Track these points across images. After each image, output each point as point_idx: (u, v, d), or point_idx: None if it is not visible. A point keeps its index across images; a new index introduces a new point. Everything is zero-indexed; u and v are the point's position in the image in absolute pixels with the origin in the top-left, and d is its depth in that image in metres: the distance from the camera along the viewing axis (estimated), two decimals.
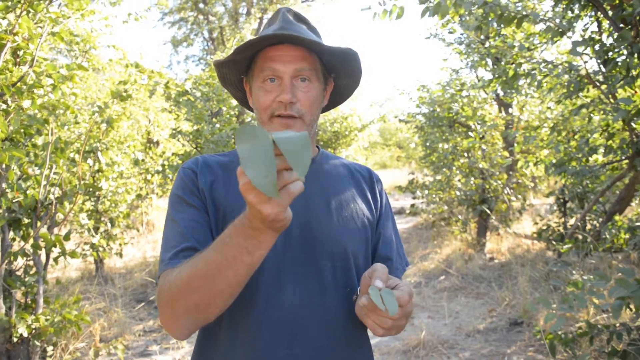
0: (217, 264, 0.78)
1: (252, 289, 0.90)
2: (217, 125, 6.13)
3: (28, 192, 2.88)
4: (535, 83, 3.13)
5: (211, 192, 0.98)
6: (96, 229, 6.24)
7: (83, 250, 6.16)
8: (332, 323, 0.95)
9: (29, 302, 3.15)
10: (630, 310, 2.43)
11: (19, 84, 2.81)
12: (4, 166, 2.77)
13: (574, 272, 4.05)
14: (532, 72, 3.10)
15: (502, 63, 3.74)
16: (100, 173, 6.14)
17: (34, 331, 2.95)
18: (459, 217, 7.54)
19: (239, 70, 1.07)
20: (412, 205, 9.45)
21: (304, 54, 0.99)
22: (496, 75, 3.46)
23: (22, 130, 2.80)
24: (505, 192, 6.88)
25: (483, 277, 5.50)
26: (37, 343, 3.04)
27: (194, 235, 0.92)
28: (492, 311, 4.36)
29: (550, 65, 3.11)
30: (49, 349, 3.22)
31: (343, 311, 0.97)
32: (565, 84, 3.20)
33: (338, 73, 1.09)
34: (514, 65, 3.27)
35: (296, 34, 0.95)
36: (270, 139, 0.65)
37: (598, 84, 3.08)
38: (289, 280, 0.93)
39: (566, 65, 3.10)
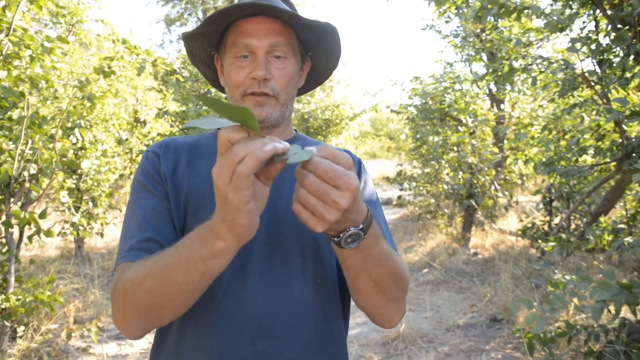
0: (170, 266, 0.73)
1: (212, 283, 0.82)
2: (204, 107, 6.01)
3: (1, 167, 2.77)
4: (530, 79, 3.08)
5: (173, 177, 0.92)
6: (77, 207, 6.12)
7: (63, 228, 6.05)
8: (301, 318, 0.88)
9: (0, 281, 3.05)
10: (610, 312, 2.42)
11: None
12: None
13: (556, 271, 4.07)
14: (528, 68, 3.05)
15: (497, 57, 3.69)
16: (82, 151, 6.01)
17: (3, 311, 2.86)
18: (445, 210, 7.54)
19: (209, 45, 0.99)
20: (399, 197, 9.44)
21: (280, 28, 0.91)
22: (491, 70, 3.40)
23: None
24: (493, 188, 6.88)
25: (466, 271, 5.51)
26: (7, 323, 2.95)
27: (152, 224, 0.86)
28: (473, 307, 4.36)
29: (545, 62, 3.06)
30: (20, 329, 3.14)
31: (313, 305, 0.90)
32: (560, 81, 3.15)
33: (316, 51, 1.01)
34: (509, 60, 3.21)
35: (272, 5, 0.87)
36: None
37: (592, 84, 3.04)
38: (253, 272, 0.87)
39: (562, 62, 3.05)
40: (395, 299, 0.89)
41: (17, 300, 2.88)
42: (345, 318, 1.00)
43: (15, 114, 2.70)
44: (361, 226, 0.72)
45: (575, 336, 2.64)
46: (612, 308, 2.43)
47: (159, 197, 0.89)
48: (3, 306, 2.80)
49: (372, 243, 0.76)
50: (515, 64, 3.12)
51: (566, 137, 4.06)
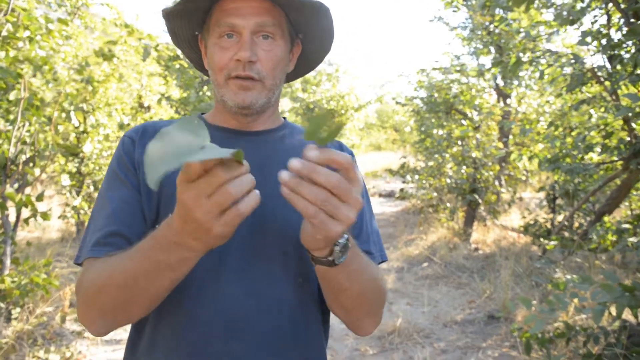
0: (135, 277, 0.70)
1: (185, 278, 0.78)
2: (208, 94, 5.95)
3: None
4: (538, 73, 3.01)
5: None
6: (78, 191, 6.11)
7: (64, 212, 6.05)
8: (280, 318, 0.83)
9: None
10: (610, 314, 2.38)
11: None
12: None
13: (557, 270, 4.02)
14: (536, 61, 2.98)
15: (508, 50, 3.61)
16: (84, 134, 5.98)
17: None
18: (448, 205, 7.49)
19: (192, 23, 0.92)
20: (402, 190, 9.39)
21: (267, 7, 0.85)
22: (497, 62, 3.33)
23: None
24: (496, 183, 6.82)
25: (466, 267, 5.47)
26: (2, 305, 2.94)
27: (120, 218, 0.82)
28: (472, 303, 4.33)
29: (554, 56, 2.99)
30: (15, 311, 3.13)
31: (293, 305, 0.84)
32: (568, 76, 3.08)
33: (306, 34, 0.94)
34: (517, 52, 3.14)
35: None
36: (204, 143, 0.54)
37: (602, 80, 2.97)
38: (230, 267, 0.81)
39: (571, 57, 2.97)
40: (374, 312, 0.87)
41: (13, 282, 2.87)
42: (325, 322, 0.94)
43: (12, 95, 2.66)
44: (346, 235, 0.69)
45: (574, 337, 2.60)
46: (613, 310, 2.39)
47: (130, 188, 0.85)
48: None
49: (353, 254, 0.74)
50: (523, 57, 3.04)
51: (572, 133, 3.99)
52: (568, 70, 3.08)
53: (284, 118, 1.01)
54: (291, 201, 0.60)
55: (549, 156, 3.52)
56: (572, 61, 2.96)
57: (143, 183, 0.85)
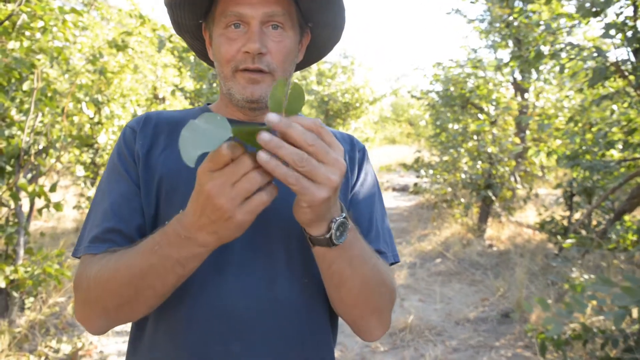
0: (141, 273, 0.68)
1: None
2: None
3: (12, 139, 2.75)
4: (559, 66, 2.91)
5: (147, 157, 0.83)
6: (93, 181, 6.17)
7: (79, 202, 6.12)
8: (284, 320, 0.79)
9: (10, 252, 3.07)
10: (630, 317, 2.30)
11: (6, 23, 2.64)
12: None
13: (574, 269, 3.93)
14: (557, 54, 2.88)
15: (526, 43, 3.51)
16: (99, 125, 6.02)
17: (12, 282, 2.88)
18: (462, 200, 7.39)
19: (196, 13, 0.87)
20: (416, 184, 9.30)
21: None
22: (516, 55, 3.23)
23: (7, 74, 2.64)
24: (512, 179, 6.70)
25: (480, 264, 5.40)
26: (16, 294, 2.97)
27: (119, 213, 0.79)
28: (485, 300, 4.27)
29: (576, 49, 2.89)
30: (28, 300, 3.17)
31: (298, 306, 0.80)
32: (590, 70, 2.98)
33: (316, 23, 0.89)
34: (537, 45, 3.04)
35: None
36: (227, 136, 0.54)
37: (626, 74, 2.86)
38: (231, 265, 0.78)
39: (594, 50, 2.87)
40: (379, 309, 0.82)
41: (26, 272, 2.89)
42: (334, 324, 0.90)
43: (25, 86, 2.66)
44: (343, 214, 0.67)
45: (591, 340, 2.53)
46: (634, 313, 2.32)
47: (129, 182, 0.82)
48: (11, 277, 2.82)
49: (354, 238, 0.72)
50: (543, 50, 2.95)
51: (593, 129, 3.88)
52: (590, 64, 2.98)
53: None
54: (270, 169, 0.57)
55: (567, 152, 3.42)
56: (595, 54, 2.86)
57: (143, 177, 0.82)
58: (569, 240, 3.48)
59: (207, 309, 0.77)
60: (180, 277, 0.69)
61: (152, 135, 0.85)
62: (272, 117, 0.56)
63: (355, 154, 0.93)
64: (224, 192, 0.57)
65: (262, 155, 0.57)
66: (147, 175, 0.82)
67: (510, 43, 7.07)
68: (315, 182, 0.58)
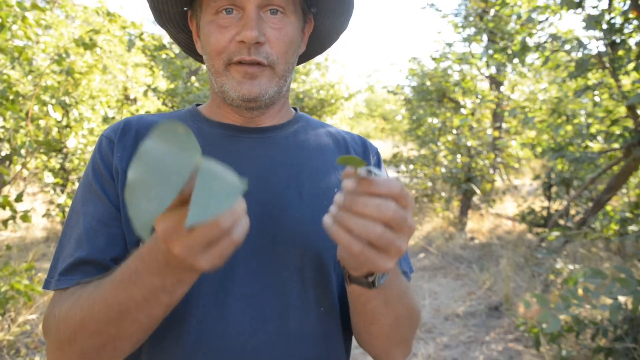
0: (121, 308, 0.57)
1: (184, 306, 0.65)
2: (197, 84, 5.76)
3: None
4: (542, 59, 2.90)
5: (128, 172, 0.72)
6: (63, 188, 5.91)
7: (49, 210, 5.85)
8: (297, 354, 0.68)
9: None
10: (624, 308, 2.29)
11: None
12: None
13: (558, 259, 3.95)
14: (542, 46, 2.86)
15: (499, 37, 3.49)
16: (68, 129, 5.77)
17: None
18: (442, 194, 7.41)
19: None
20: (396, 179, 9.30)
21: None
22: (501, 48, 3.21)
23: None
24: (491, 172, 6.75)
25: (463, 257, 5.40)
26: None
27: (93, 241, 0.67)
28: (472, 294, 4.25)
29: (559, 41, 2.87)
30: None
31: (314, 340, 0.70)
32: (572, 62, 2.97)
33: (320, 8, 0.78)
34: (522, 37, 3.01)
35: None
36: (195, 162, 0.42)
37: (607, 66, 2.86)
38: (236, 296, 0.67)
39: (575, 42, 2.86)
40: (406, 340, 0.75)
41: None
42: (348, 348, 0.80)
43: None
44: None
45: (582, 331, 2.51)
46: (628, 304, 2.30)
47: (106, 205, 0.70)
48: None
49: (394, 275, 0.64)
50: (529, 42, 2.92)
51: (574, 121, 3.89)
52: (576, 55, 2.97)
53: (295, 109, 0.85)
54: (333, 234, 0.49)
55: (552, 145, 3.42)
56: (577, 46, 2.85)
57: (122, 196, 0.70)
58: (554, 233, 3.48)
59: (209, 348, 0.66)
60: (168, 306, 0.58)
61: (133, 146, 0.72)
62: (348, 184, 0.50)
63: (370, 158, 0.83)
64: (177, 239, 0.45)
65: (326, 220, 0.50)
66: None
67: (484, 37, 7.11)
68: (385, 253, 0.50)
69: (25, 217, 2.75)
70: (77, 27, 5.91)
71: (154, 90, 5.26)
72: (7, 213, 2.93)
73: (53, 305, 0.65)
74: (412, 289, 0.76)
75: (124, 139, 0.73)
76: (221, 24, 0.69)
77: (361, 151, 0.83)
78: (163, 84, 6.27)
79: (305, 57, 0.87)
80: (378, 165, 0.84)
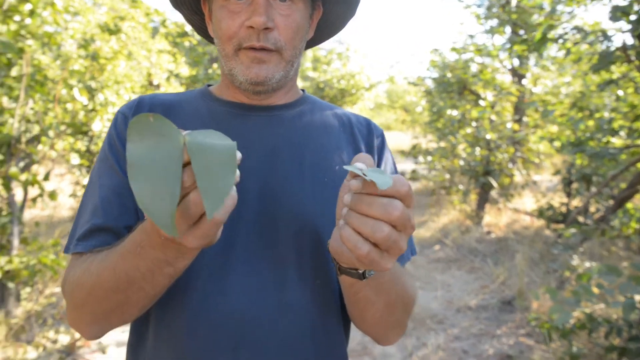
0: (128, 277, 0.61)
1: (187, 279, 0.70)
2: (218, 72, 5.84)
3: (1, 126, 2.66)
4: (564, 50, 2.85)
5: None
6: (88, 169, 6.08)
7: (75, 190, 6.03)
8: (296, 327, 0.72)
9: (4, 243, 3.00)
10: (639, 307, 2.28)
11: None
12: None
13: (574, 256, 3.92)
14: (564, 37, 2.81)
15: (523, 29, 3.44)
16: (93, 112, 5.91)
17: (7, 273, 2.82)
18: (460, 187, 7.37)
19: None
20: (413, 171, 9.27)
21: None
22: (521, 39, 3.17)
23: None
24: (510, 166, 6.67)
25: (478, 250, 5.38)
26: (11, 285, 2.91)
27: (109, 210, 0.72)
28: (485, 288, 4.26)
29: (582, 33, 2.82)
30: (25, 291, 3.11)
31: (310, 311, 0.73)
32: (595, 54, 2.92)
33: None
34: (543, 29, 2.97)
35: None
36: (181, 142, 0.44)
37: (632, 59, 2.81)
38: (236, 269, 0.71)
39: (600, 34, 2.81)
40: (400, 324, 0.78)
41: (21, 262, 2.83)
42: (347, 325, 0.83)
43: (14, 71, 2.57)
44: None
45: (595, 329, 2.51)
46: None
47: (120, 176, 0.74)
48: (6, 268, 2.76)
49: None
50: (549, 33, 2.87)
51: (596, 116, 3.83)
52: (599, 47, 2.91)
53: (303, 91, 0.88)
54: (343, 237, 0.52)
55: (572, 139, 3.38)
56: (601, 38, 2.80)
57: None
58: (571, 230, 3.45)
59: (211, 316, 0.70)
60: (171, 277, 0.62)
61: None
62: (354, 185, 0.51)
63: (373, 140, 0.85)
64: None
65: (339, 223, 0.53)
66: None
67: (508, 29, 6.99)
68: (387, 253, 0.53)
69: (52, 195, 2.86)
70: (104, 14, 6.01)
71: (176, 76, 5.34)
72: (36, 192, 3.07)
73: (69, 270, 0.71)
74: (406, 273, 0.78)
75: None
76: (232, 9, 0.72)
77: (365, 132, 0.85)
78: (185, 70, 6.35)
79: (313, 43, 0.90)
80: (382, 147, 0.86)
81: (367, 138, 0.85)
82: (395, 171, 0.87)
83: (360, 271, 0.61)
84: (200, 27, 0.88)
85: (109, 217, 0.71)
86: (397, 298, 0.72)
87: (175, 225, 0.44)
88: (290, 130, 0.79)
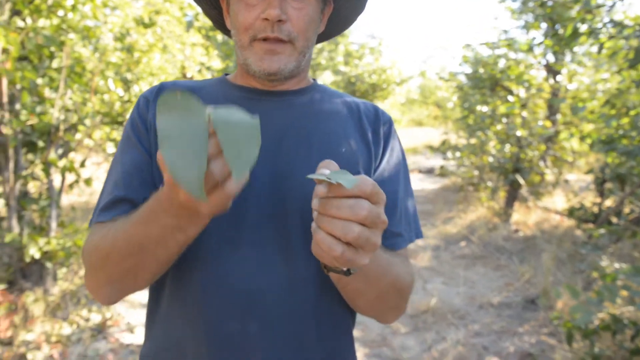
0: (141, 243, 0.66)
1: (197, 249, 0.74)
2: None
3: (43, 115, 2.82)
4: (597, 46, 2.78)
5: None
6: None
7: None
8: (299, 299, 0.76)
9: (44, 225, 3.18)
10: None
11: (37, 2, 2.68)
12: (18, 87, 2.70)
13: (604, 257, 3.83)
14: (596, 32, 2.73)
15: (559, 24, 3.36)
16: (129, 103, 6.11)
17: (45, 254, 2.98)
18: (489, 183, 7.27)
19: None
20: (442, 167, 9.19)
21: None
22: (551, 34, 3.10)
23: (38, 51, 2.69)
24: (541, 163, 6.53)
25: (505, 248, 5.32)
26: (49, 265, 3.08)
27: (130, 183, 0.77)
28: (510, 286, 4.21)
29: (617, 27, 2.74)
30: (61, 271, 3.28)
31: (315, 285, 0.77)
32: (632, 50, 2.84)
33: None
34: (574, 23, 2.89)
35: None
36: (205, 116, 0.48)
37: None
38: (245, 241, 0.75)
39: (637, 28, 2.73)
40: (396, 307, 0.82)
41: (58, 244, 2.99)
42: None
43: (55, 63, 2.71)
44: None
45: (620, 331, 2.46)
46: None
47: (141, 151, 0.80)
48: (45, 249, 2.92)
49: (372, 258, 0.67)
50: (581, 28, 2.80)
51: (631, 113, 3.71)
52: (635, 42, 2.83)
53: (314, 80, 0.92)
54: (317, 240, 0.56)
55: (602, 137, 3.29)
56: (638, 33, 2.72)
57: (155, 147, 0.79)
58: (601, 230, 3.38)
59: (222, 287, 0.74)
60: (183, 244, 0.66)
61: None
62: (320, 190, 0.54)
63: (380, 127, 0.87)
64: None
65: (312, 226, 0.56)
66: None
67: (544, 25, 6.81)
68: (361, 250, 0.56)
69: (88, 182, 3.01)
70: (140, 8, 6.19)
71: (208, 68, 5.46)
72: (72, 178, 3.24)
73: (90, 236, 0.76)
74: (400, 261, 0.80)
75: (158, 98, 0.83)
76: (248, 2, 0.77)
77: (373, 119, 0.88)
78: (217, 63, 6.48)
79: (325, 37, 0.94)
80: (389, 134, 0.88)
81: (374, 124, 0.87)
82: (404, 160, 0.89)
83: (345, 269, 0.64)
84: (217, 20, 0.94)
85: (130, 189, 0.77)
86: (389, 287, 0.75)
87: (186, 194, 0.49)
88: (300, 115, 0.83)
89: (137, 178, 0.78)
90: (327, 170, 0.56)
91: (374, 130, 0.87)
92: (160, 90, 0.84)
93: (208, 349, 0.75)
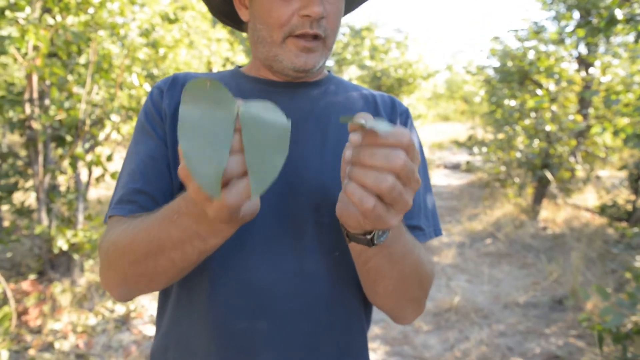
0: (159, 243, 0.62)
1: None
2: None
3: (71, 110, 2.88)
4: (633, 33, 2.64)
5: (175, 116, 0.77)
6: None
7: None
8: (312, 296, 0.73)
9: (71, 218, 3.25)
10: None
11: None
12: (47, 83, 2.76)
13: (637, 257, 3.69)
14: (634, 19, 2.58)
15: (592, 14, 3.22)
16: None
17: (73, 245, 3.06)
18: (516, 180, 7.10)
19: None
20: (468, 162, 9.03)
21: None
22: (583, 23, 2.98)
23: (67, 48, 2.75)
24: (571, 159, 6.34)
25: (532, 246, 5.19)
26: (77, 256, 3.16)
27: (145, 174, 0.75)
28: (536, 285, 4.11)
29: None
30: (88, 263, 3.36)
31: (328, 282, 0.74)
32: None
33: None
34: (611, 9, 2.75)
35: None
36: (234, 110, 0.44)
37: None
38: (256, 237, 0.72)
39: None
40: (416, 299, 0.77)
41: (85, 236, 3.06)
42: (367, 303, 0.83)
43: (82, 59, 2.76)
44: None
45: None
46: None
47: (157, 142, 0.77)
48: (72, 241, 3.00)
49: (397, 233, 0.64)
50: (618, 14, 2.64)
51: None
52: None
53: (329, 71, 0.90)
54: (347, 192, 0.51)
55: (638, 131, 3.15)
56: None
57: (170, 135, 0.77)
58: (635, 229, 3.24)
59: (231, 284, 0.72)
60: (201, 253, 0.62)
61: (179, 96, 0.79)
62: (354, 138, 0.50)
63: (397, 118, 0.85)
64: (211, 204, 0.48)
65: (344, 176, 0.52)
66: (174, 134, 0.76)
67: (576, 14, 6.58)
68: (392, 208, 0.52)
69: (114, 176, 3.06)
70: (167, 5, 6.27)
71: (232, 63, 5.49)
72: (99, 172, 3.31)
73: (107, 231, 0.74)
74: (423, 249, 0.77)
75: (173, 90, 0.80)
76: None
77: (390, 110, 0.85)
78: (241, 58, 6.52)
79: None
80: (405, 125, 0.85)
81: (391, 115, 0.85)
82: (421, 153, 0.86)
83: (369, 237, 0.60)
84: (221, 10, 0.88)
85: (145, 180, 0.74)
86: (411, 272, 0.71)
87: (199, 192, 0.45)
88: (314, 106, 0.81)
89: (152, 169, 0.75)
90: (363, 120, 0.51)
91: (391, 120, 0.84)
92: (174, 81, 0.82)
93: (217, 346, 0.73)
